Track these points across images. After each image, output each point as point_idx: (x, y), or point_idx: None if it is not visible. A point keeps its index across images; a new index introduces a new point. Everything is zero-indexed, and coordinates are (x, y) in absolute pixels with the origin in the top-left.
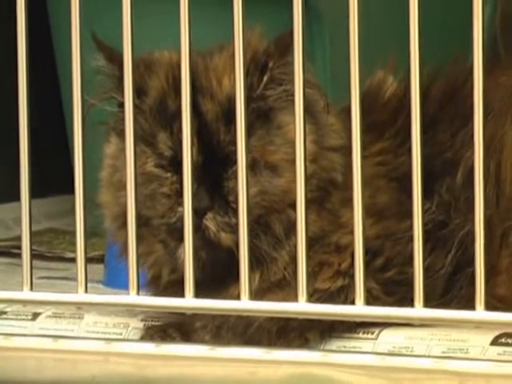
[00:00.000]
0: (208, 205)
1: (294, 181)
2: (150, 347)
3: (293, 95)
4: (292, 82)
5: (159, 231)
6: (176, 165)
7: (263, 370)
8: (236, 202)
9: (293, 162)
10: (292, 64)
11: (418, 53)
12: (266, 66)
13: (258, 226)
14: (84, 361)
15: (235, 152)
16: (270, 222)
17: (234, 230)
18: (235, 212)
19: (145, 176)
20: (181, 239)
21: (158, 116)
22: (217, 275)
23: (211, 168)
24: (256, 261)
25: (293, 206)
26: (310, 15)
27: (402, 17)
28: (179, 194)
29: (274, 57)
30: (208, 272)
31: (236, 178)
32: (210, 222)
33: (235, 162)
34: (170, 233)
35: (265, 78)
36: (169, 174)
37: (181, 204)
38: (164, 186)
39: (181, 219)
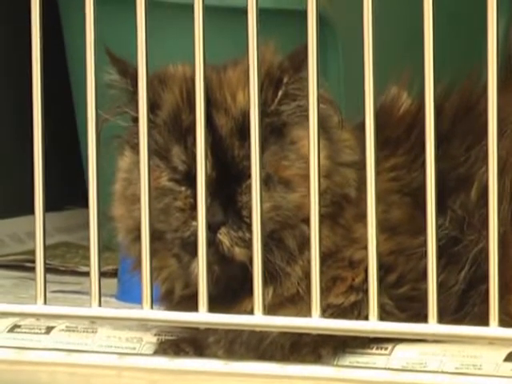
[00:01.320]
0: (222, 220)
1: (307, 196)
2: (163, 362)
3: (307, 110)
4: (306, 97)
5: (173, 245)
6: (190, 179)
7: None
8: (250, 216)
9: (306, 177)
10: (306, 79)
11: (432, 68)
12: (281, 81)
13: (271, 240)
14: (97, 375)
15: (249, 167)
16: (284, 237)
17: (247, 244)
18: (249, 227)
19: (159, 190)
20: (194, 254)
21: (172, 130)
22: (230, 290)
23: (225, 183)
24: (269, 276)
25: (306, 221)
26: (323, 29)
27: (416, 32)
28: (193, 208)
29: (289, 72)
30: (221, 287)
31: (250, 192)
32: (223, 237)
33: (249, 177)
34: (183, 247)
35: (279, 94)
36: (183, 188)
37: (195, 218)
38: (178, 200)
39: (194, 233)
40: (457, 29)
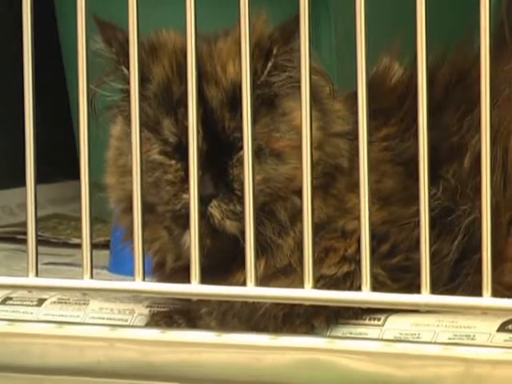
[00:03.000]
0: (213, 192)
1: (299, 168)
2: (155, 333)
3: (298, 82)
4: (296, 68)
5: (164, 218)
6: (181, 151)
7: (269, 356)
8: (241, 189)
9: (298, 148)
10: (296, 50)
11: (424, 38)
12: (271, 52)
13: (262, 213)
14: (89, 347)
15: (240, 139)
16: (275, 209)
17: (238, 217)
18: (240, 199)
19: (149, 163)
20: (185, 226)
21: (163, 103)
22: (222, 262)
23: (216, 155)
24: (261, 248)
25: (298, 192)
26: (315, 1)
27: (407, 2)
28: (184, 181)
29: (279, 43)
30: (213, 259)
31: (241, 165)
32: (214, 210)
33: (240, 149)
34: (174, 220)
35: (269, 65)
36: (173, 162)
37: (185, 191)
38: (168, 173)
39: (185, 206)
40: None
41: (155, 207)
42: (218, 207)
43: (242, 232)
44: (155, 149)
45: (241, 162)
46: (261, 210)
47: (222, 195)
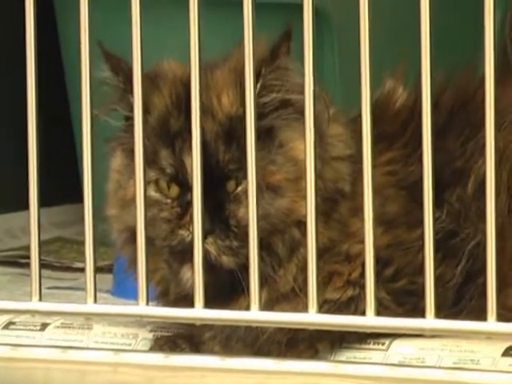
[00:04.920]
0: (209, 229)
1: (296, 201)
2: (159, 358)
3: (294, 112)
4: (284, 87)
5: (162, 251)
6: (178, 183)
7: (273, 380)
8: (237, 225)
9: (295, 180)
10: (285, 68)
11: (429, 61)
12: (259, 73)
13: (260, 248)
14: (93, 372)
15: (234, 170)
16: (273, 243)
17: (235, 252)
18: (236, 235)
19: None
20: (183, 261)
21: (161, 134)
22: (221, 294)
23: (210, 189)
24: (261, 281)
25: (296, 224)
26: (319, 23)
27: (412, 25)
28: (180, 217)
29: (266, 62)
30: (212, 292)
31: (237, 201)
32: (210, 246)
33: (236, 184)
34: (172, 255)
35: (258, 86)
36: (169, 200)
37: (181, 227)
38: (164, 210)
39: (182, 242)
40: (452, 21)
41: (154, 241)
42: (214, 243)
43: (240, 266)
44: (151, 186)
45: (237, 198)
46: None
47: (218, 231)
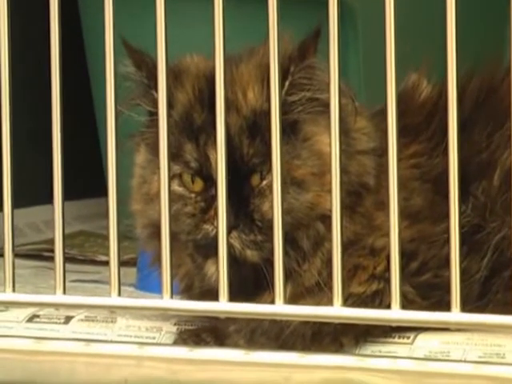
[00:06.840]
0: (233, 223)
1: (321, 195)
2: (183, 351)
3: (319, 104)
4: (315, 87)
5: (186, 246)
6: (202, 178)
7: (298, 374)
8: (261, 219)
9: (319, 174)
10: (314, 68)
11: (454, 55)
12: (288, 70)
13: (284, 242)
14: (116, 365)
15: (258, 164)
16: (298, 237)
17: (259, 247)
18: (260, 230)
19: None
20: (207, 256)
21: (184, 128)
22: (246, 289)
23: (235, 184)
24: (286, 275)
25: (321, 219)
26: (344, 18)
27: (437, 18)
28: (203, 211)
29: (296, 61)
30: (237, 287)
31: (262, 195)
32: (235, 241)
33: (260, 178)
34: (196, 249)
35: (286, 84)
36: (193, 195)
37: (206, 222)
38: (188, 205)
39: (206, 236)
40: (478, 11)
41: (178, 235)
42: (238, 238)
43: (264, 260)
44: (174, 181)
45: (261, 192)
46: (283, 240)
47: (242, 226)
